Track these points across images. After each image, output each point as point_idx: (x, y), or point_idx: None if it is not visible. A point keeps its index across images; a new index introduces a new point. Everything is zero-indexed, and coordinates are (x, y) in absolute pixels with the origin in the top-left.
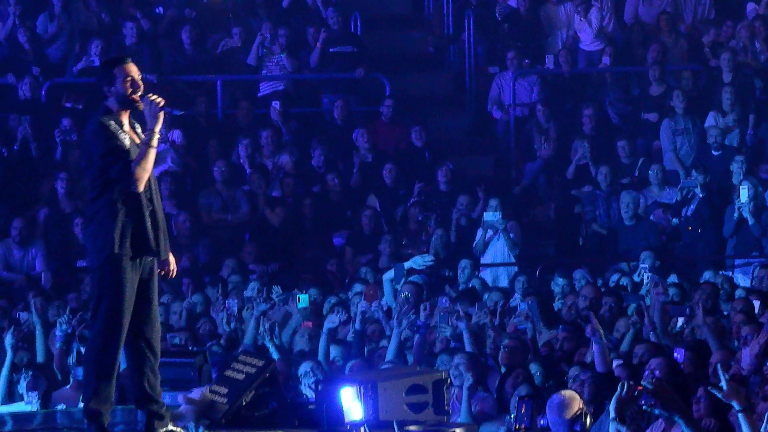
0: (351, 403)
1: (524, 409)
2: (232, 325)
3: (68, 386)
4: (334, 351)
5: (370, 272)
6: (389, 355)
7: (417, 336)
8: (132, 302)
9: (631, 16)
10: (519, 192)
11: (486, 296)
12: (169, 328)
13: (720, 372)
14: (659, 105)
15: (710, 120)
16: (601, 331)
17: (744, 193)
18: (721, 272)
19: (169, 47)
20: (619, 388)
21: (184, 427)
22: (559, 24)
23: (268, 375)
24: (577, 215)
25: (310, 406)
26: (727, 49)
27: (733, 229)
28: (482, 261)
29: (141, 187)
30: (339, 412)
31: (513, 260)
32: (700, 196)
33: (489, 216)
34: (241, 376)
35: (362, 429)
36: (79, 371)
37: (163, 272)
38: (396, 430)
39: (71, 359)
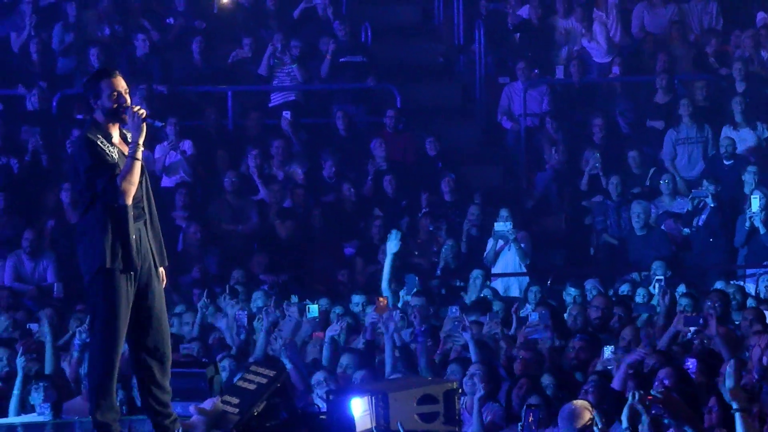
0: (361, 413)
1: (531, 418)
2: (242, 336)
3: (80, 396)
4: (346, 360)
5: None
6: (387, 368)
7: (417, 346)
8: (127, 314)
9: (638, 27)
10: (535, 205)
11: (497, 306)
12: (181, 338)
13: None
14: (666, 114)
15: (724, 131)
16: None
17: (755, 203)
18: (732, 282)
19: (180, 58)
20: (630, 397)
21: None
22: (569, 35)
23: (279, 385)
24: (588, 225)
25: (321, 417)
26: (739, 58)
27: (745, 239)
28: (493, 271)
29: (128, 200)
30: (350, 423)
31: (524, 270)
32: (712, 205)
33: (500, 226)
34: (252, 387)
35: None
36: None
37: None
38: None
39: (83, 369)
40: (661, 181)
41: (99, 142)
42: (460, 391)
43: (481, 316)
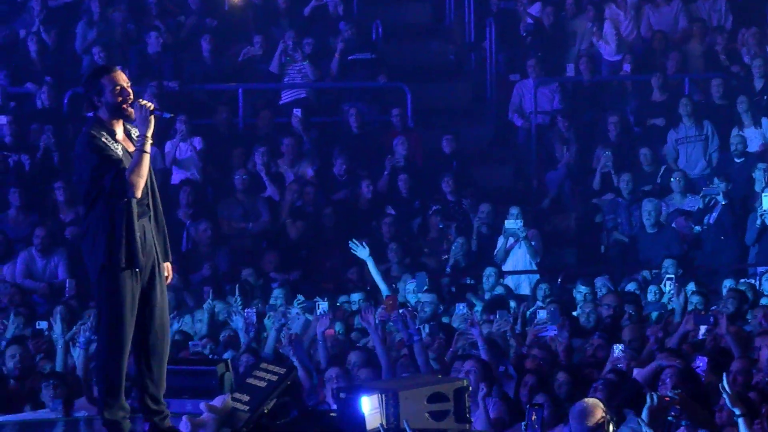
0: (372, 411)
1: (534, 416)
2: (251, 334)
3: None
4: (354, 357)
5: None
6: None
7: (415, 346)
8: (133, 312)
9: (645, 26)
10: (546, 203)
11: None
12: (190, 336)
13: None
14: (666, 112)
15: (735, 129)
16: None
17: (767, 201)
18: (742, 280)
19: (190, 56)
20: (649, 399)
21: None
22: (580, 33)
23: (289, 383)
24: (599, 223)
25: (332, 414)
26: (756, 55)
27: (756, 237)
28: (503, 269)
29: (138, 194)
30: (360, 421)
31: (534, 268)
32: (723, 203)
33: (510, 224)
34: (262, 384)
35: None
36: None
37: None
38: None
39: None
40: (672, 179)
41: (103, 139)
42: (470, 388)
43: (490, 314)
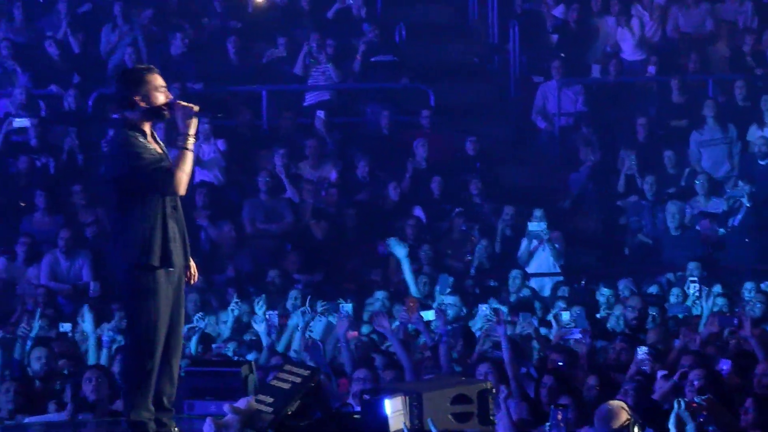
0: (395, 413)
1: (560, 416)
2: (273, 336)
3: None
4: (379, 359)
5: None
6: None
7: (442, 347)
8: (168, 313)
9: (672, 28)
10: (569, 205)
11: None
12: (213, 338)
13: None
14: (687, 114)
15: (755, 131)
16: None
17: None
18: (765, 282)
19: (215, 58)
20: (676, 405)
21: None
22: (604, 34)
23: (313, 385)
24: (623, 225)
25: (355, 416)
26: None
27: None
28: (527, 271)
29: (182, 191)
30: (383, 423)
31: (558, 270)
32: (747, 205)
33: (534, 226)
34: (286, 386)
35: None
36: None
37: (185, 278)
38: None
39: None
40: (696, 181)
41: (140, 138)
42: (493, 390)
43: (513, 316)
